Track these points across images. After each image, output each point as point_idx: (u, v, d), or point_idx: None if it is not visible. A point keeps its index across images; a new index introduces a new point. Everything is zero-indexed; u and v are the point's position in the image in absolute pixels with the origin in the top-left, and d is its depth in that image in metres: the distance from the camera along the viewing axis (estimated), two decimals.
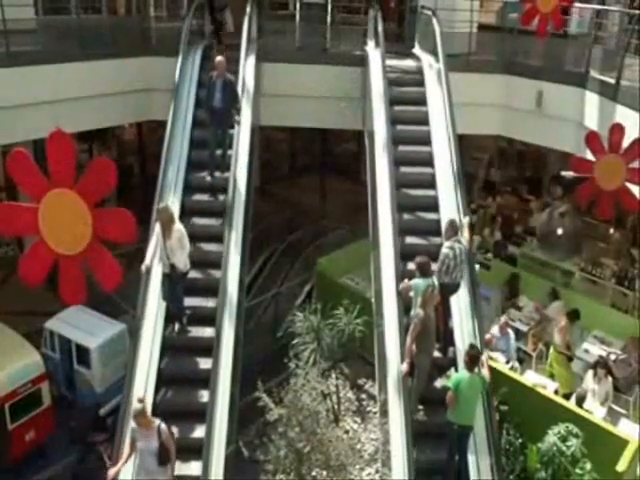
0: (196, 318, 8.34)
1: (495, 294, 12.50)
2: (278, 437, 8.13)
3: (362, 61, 11.71)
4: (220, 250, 8.46)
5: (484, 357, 7.31)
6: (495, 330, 10.23)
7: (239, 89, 9.90)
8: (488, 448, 7.34)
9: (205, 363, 7.81)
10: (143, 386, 7.61)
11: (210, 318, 7.96)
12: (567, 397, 9.34)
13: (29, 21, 12.26)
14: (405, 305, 7.81)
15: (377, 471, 8.88)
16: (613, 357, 10.33)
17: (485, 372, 7.15)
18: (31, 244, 5.97)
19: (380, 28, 11.02)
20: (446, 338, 8.17)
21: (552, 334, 10.56)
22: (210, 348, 7.60)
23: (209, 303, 8.40)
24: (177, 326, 8.19)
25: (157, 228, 7.79)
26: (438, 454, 7.38)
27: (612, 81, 10.05)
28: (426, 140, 10.12)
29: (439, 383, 7.92)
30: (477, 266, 9.08)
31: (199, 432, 7.30)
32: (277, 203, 17.75)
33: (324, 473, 7.91)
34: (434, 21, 11.12)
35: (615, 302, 12.26)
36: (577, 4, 13.42)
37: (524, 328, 11.44)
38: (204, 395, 7.60)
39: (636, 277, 12.27)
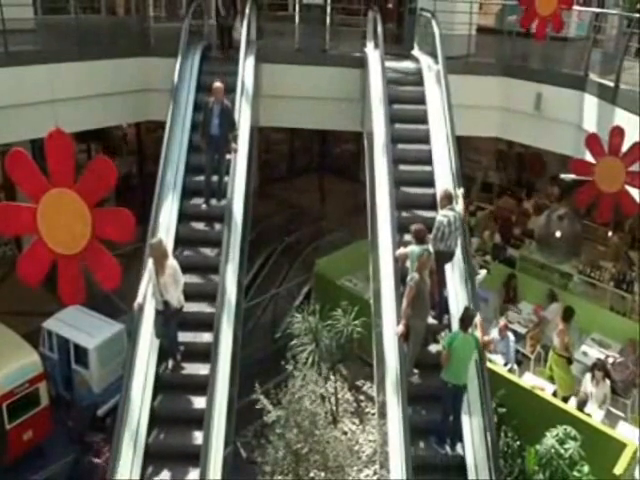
0: (191, 354, 7.99)
1: (493, 296, 12.52)
2: (276, 438, 8.13)
3: (361, 62, 11.71)
4: (216, 283, 8.08)
5: (478, 319, 7.44)
6: (494, 332, 10.25)
7: (238, 91, 9.90)
8: (481, 409, 7.48)
9: (200, 403, 7.35)
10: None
11: (205, 353, 7.51)
12: (566, 400, 9.35)
13: (28, 21, 12.29)
14: (402, 274, 7.95)
15: (375, 472, 8.89)
16: (611, 360, 10.35)
17: (478, 333, 7.32)
18: (30, 244, 5.95)
19: (379, 30, 11.02)
20: (441, 305, 8.35)
21: (550, 336, 10.57)
22: (206, 385, 7.17)
23: (204, 338, 8.00)
24: (171, 363, 7.86)
25: (149, 264, 7.48)
26: (432, 415, 7.59)
27: (611, 84, 10.07)
28: (425, 140, 10.13)
29: (434, 348, 8.07)
30: (484, 271, 9.16)
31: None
32: (276, 204, 17.75)
33: (322, 474, 7.93)
34: (433, 23, 11.12)
35: (613, 305, 12.30)
36: (576, 7, 13.43)
37: (522, 330, 11.47)
38: (198, 437, 7.12)
39: (634, 280, 12.30)
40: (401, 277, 7.95)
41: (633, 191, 8.79)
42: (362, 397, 10.73)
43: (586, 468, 7.51)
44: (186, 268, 8.05)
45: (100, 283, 6.00)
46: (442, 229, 8.02)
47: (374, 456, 9.18)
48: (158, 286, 7.42)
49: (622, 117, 9.41)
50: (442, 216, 8.10)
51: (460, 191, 8.70)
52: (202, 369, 7.70)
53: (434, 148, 9.96)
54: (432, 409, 7.64)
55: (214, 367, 7.42)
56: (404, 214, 9.20)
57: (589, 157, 9.33)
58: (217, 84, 9.07)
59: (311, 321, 9.76)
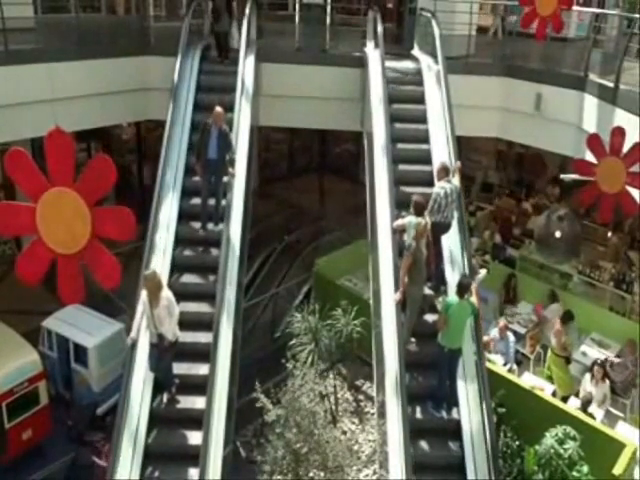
0: (186, 386, 7.70)
1: (493, 296, 12.53)
2: (276, 438, 8.12)
3: (361, 62, 11.71)
4: (212, 311, 7.85)
5: (473, 286, 7.67)
6: (494, 332, 10.26)
7: (237, 91, 9.90)
8: (476, 374, 7.70)
9: (196, 438, 7.14)
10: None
11: (201, 386, 7.26)
12: (565, 400, 9.36)
13: (28, 19, 12.29)
14: (400, 246, 8.14)
15: (374, 472, 8.89)
16: (609, 362, 10.36)
17: (474, 299, 7.57)
18: (29, 243, 5.95)
19: (379, 29, 11.03)
20: (437, 276, 8.50)
21: (549, 336, 10.58)
22: (201, 420, 6.96)
23: (200, 370, 7.75)
24: (166, 396, 7.62)
25: (143, 296, 7.26)
26: (429, 381, 7.83)
27: (611, 84, 10.07)
28: (424, 139, 10.13)
29: (430, 318, 8.20)
30: (484, 271, 9.29)
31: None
32: (276, 203, 17.75)
33: (322, 474, 7.91)
34: (433, 23, 11.13)
35: (613, 305, 12.30)
36: (576, 8, 13.43)
37: (522, 330, 11.48)
38: (194, 474, 6.98)
39: (634, 280, 12.31)
40: (399, 249, 8.14)
41: (634, 192, 8.79)
42: (361, 397, 10.73)
43: (585, 468, 7.51)
44: (182, 295, 7.90)
45: (100, 282, 6.00)
46: (439, 201, 8.21)
47: (373, 456, 9.18)
48: (152, 319, 7.18)
49: (622, 117, 9.41)
50: (439, 188, 8.29)
51: (457, 164, 8.89)
52: (198, 402, 7.40)
53: (434, 148, 9.96)
54: (428, 376, 7.89)
55: (214, 366, 7.42)
56: (404, 213, 9.20)
57: (589, 157, 9.34)
58: (218, 109, 8.80)
59: (311, 321, 9.76)
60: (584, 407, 8.78)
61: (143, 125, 16.44)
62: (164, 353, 7.39)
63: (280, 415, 8.12)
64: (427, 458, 7.38)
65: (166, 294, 7.24)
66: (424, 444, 7.49)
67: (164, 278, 8.18)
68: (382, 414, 7.69)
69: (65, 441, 9.86)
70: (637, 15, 10.93)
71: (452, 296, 7.73)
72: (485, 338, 9.17)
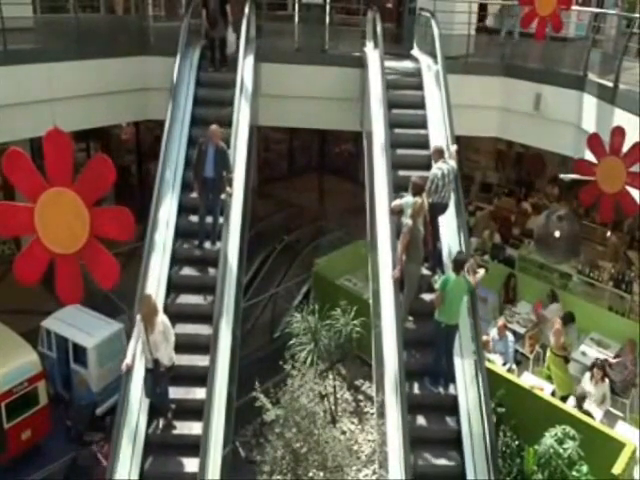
0: (183, 411, 7.53)
1: (492, 296, 12.53)
2: (275, 438, 8.13)
3: (361, 62, 11.71)
4: (210, 333, 7.70)
5: (469, 263, 7.87)
6: (493, 332, 10.26)
7: (237, 90, 9.89)
8: (473, 350, 7.86)
9: (192, 465, 7.01)
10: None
11: (199, 411, 7.08)
12: (564, 399, 9.36)
13: (27, 19, 12.28)
14: (397, 227, 8.25)
15: (374, 472, 8.89)
16: (610, 360, 10.37)
17: (470, 278, 7.75)
18: (27, 243, 5.93)
19: (379, 29, 11.03)
20: (434, 257, 8.67)
21: (549, 336, 10.58)
22: (198, 445, 6.86)
23: (197, 394, 7.55)
24: (162, 422, 7.45)
25: (138, 320, 7.15)
26: (426, 358, 7.98)
27: (610, 84, 10.07)
28: (424, 141, 10.12)
29: (427, 297, 8.30)
30: (482, 270, 9.36)
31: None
32: (275, 203, 17.75)
33: (321, 474, 7.92)
34: (433, 23, 11.13)
35: (612, 305, 12.30)
36: (575, 7, 13.44)
37: (521, 330, 11.48)
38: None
39: (633, 280, 12.31)
40: (397, 230, 8.25)
41: (634, 192, 8.79)
42: (361, 397, 10.71)
43: (585, 468, 7.51)
44: (177, 317, 7.84)
45: (98, 282, 5.99)
46: (436, 182, 8.36)
47: (373, 456, 9.17)
48: (147, 344, 7.06)
49: (621, 117, 9.41)
50: (436, 169, 8.45)
51: (454, 147, 9.01)
52: (195, 428, 7.24)
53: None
54: (425, 353, 8.03)
55: (213, 366, 7.42)
56: (402, 194, 9.18)
57: (589, 157, 9.34)
58: (213, 127, 8.65)
59: (310, 320, 9.75)
60: (579, 403, 8.78)
61: (142, 125, 16.43)
62: (160, 378, 7.26)
63: (279, 415, 8.13)
64: (425, 432, 7.59)
65: (162, 319, 7.13)
66: (421, 419, 7.69)
67: (160, 298, 8.14)
68: (381, 414, 7.69)
69: (64, 441, 9.86)
70: (636, 15, 10.96)
71: (449, 273, 7.86)
72: (484, 338, 9.16)
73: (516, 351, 10.73)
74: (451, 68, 10.68)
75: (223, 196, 8.74)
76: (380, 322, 8.08)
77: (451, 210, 8.94)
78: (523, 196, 15.96)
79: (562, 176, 10.21)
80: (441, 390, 7.83)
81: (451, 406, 7.72)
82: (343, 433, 9.67)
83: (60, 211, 5.76)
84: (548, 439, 7.62)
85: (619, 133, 8.69)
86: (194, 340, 8.00)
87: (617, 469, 7.54)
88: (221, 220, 8.75)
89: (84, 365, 10.19)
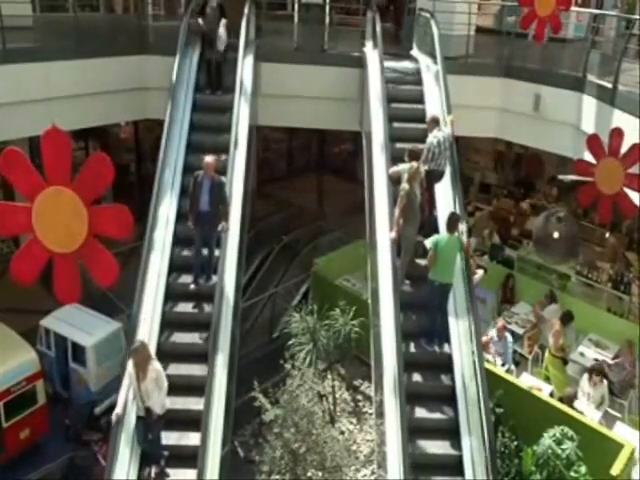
0: (176, 457, 7.23)
1: (491, 296, 12.54)
2: (274, 437, 8.11)
3: (360, 62, 11.71)
4: (204, 374, 7.40)
5: (463, 226, 8.21)
6: (493, 333, 10.26)
7: (237, 90, 9.87)
8: (467, 310, 8.11)
9: None
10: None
11: (192, 457, 6.84)
12: (562, 400, 9.36)
13: (26, 18, 12.27)
14: (395, 195, 8.46)
15: (373, 472, 8.89)
16: (608, 361, 10.38)
17: (464, 238, 8.12)
18: (25, 242, 5.91)
19: (378, 29, 11.04)
20: (430, 224, 8.86)
21: (548, 337, 10.59)
22: None
23: (191, 440, 7.22)
24: (154, 469, 7.13)
25: (130, 367, 6.87)
26: (422, 320, 8.28)
27: (609, 85, 10.08)
28: (423, 135, 10.12)
29: (423, 262, 8.42)
30: (481, 271, 9.44)
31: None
32: (274, 203, 17.75)
33: (320, 474, 7.90)
34: (432, 23, 11.14)
35: (611, 306, 12.32)
36: (575, 8, 13.44)
37: (520, 331, 11.49)
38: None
39: (631, 281, 12.33)
40: (394, 198, 8.46)
41: (633, 194, 8.80)
42: (360, 397, 10.70)
43: (583, 468, 7.50)
44: (171, 356, 7.74)
45: (97, 280, 5.98)
46: (432, 149, 8.65)
47: (372, 456, 9.17)
48: (139, 392, 6.78)
49: (620, 118, 9.42)
50: (432, 137, 8.73)
51: (450, 117, 9.26)
52: (189, 474, 6.93)
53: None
54: (421, 315, 8.33)
55: (212, 365, 7.42)
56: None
57: (588, 158, 9.36)
58: (208, 159, 8.35)
59: (309, 320, 9.74)
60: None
61: (141, 124, 16.42)
62: (152, 426, 7.01)
63: (278, 415, 8.11)
64: (421, 388, 7.88)
65: (154, 366, 6.87)
66: (418, 376, 7.97)
67: (154, 336, 7.95)
68: (380, 414, 7.70)
69: (63, 440, 9.85)
70: (636, 16, 10.96)
71: (441, 233, 8.22)
72: (484, 338, 9.16)
73: (515, 352, 10.74)
74: (450, 68, 10.68)
75: (220, 227, 8.38)
76: (379, 322, 8.08)
77: (447, 180, 9.20)
78: (522, 196, 15.98)
79: (561, 177, 10.23)
80: (436, 349, 8.08)
81: (446, 364, 7.97)
82: (342, 433, 9.66)
83: (58, 210, 5.75)
84: (546, 440, 7.62)
85: (617, 134, 8.70)
86: (188, 381, 7.69)
87: (615, 470, 7.56)
88: (217, 253, 8.45)
89: (83, 364, 10.17)
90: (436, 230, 8.76)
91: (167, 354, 7.80)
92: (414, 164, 8.28)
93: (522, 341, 11.41)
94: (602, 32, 13.04)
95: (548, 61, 12.69)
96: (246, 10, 11.16)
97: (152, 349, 7.60)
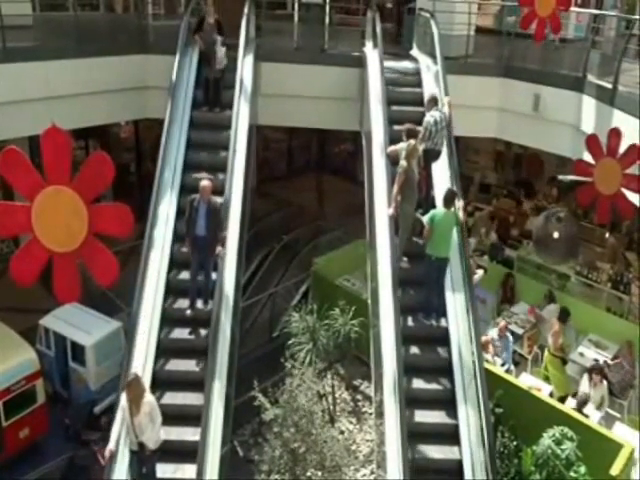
0: None
1: (491, 296, 12.54)
2: (273, 437, 8.12)
3: (360, 62, 11.71)
4: (201, 403, 7.17)
5: (460, 203, 8.31)
6: (493, 332, 10.26)
7: (236, 90, 9.86)
8: (463, 285, 8.29)
9: None
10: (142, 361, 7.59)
11: None
12: (562, 400, 9.37)
13: (26, 17, 12.26)
14: (393, 174, 8.62)
15: (372, 472, 8.89)
16: (608, 361, 10.38)
17: (460, 213, 8.24)
18: (25, 242, 5.89)
19: (378, 29, 11.03)
20: (428, 202, 8.97)
21: (547, 337, 10.59)
22: None
23: (187, 472, 6.98)
24: None
25: (123, 401, 6.68)
26: (419, 296, 8.44)
27: (609, 86, 10.08)
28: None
29: (420, 240, 8.58)
30: (481, 271, 9.45)
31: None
32: (274, 203, 17.74)
33: (319, 474, 7.91)
34: (432, 23, 11.14)
35: (610, 306, 12.32)
36: (575, 9, 13.44)
37: (519, 331, 11.49)
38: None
39: (631, 281, 12.33)
40: (392, 177, 8.62)
41: (634, 194, 8.79)
42: (359, 396, 10.71)
43: (582, 469, 7.51)
44: (167, 384, 7.62)
45: (97, 279, 5.98)
46: (429, 128, 8.78)
47: (371, 456, 9.18)
48: (132, 427, 6.57)
49: (620, 119, 9.42)
50: (429, 116, 8.87)
51: (447, 99, 9.37)
52: None
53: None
54: (419, 291, 8.47)
55: (212, 365, 7.41)
56: None
57: (587, 158, 9.36)
58: (204, 183, 8.16)
59: (309, 320, 9.75)
60: (579, 407, 8.78)
61: (141, 123, 16.41)
62: (146, 460, 6.79)
63: (278, 414, 8.12)
64: (418, 360, 8.05)
65: (148, 399, 6.68)
66: (415, 349, 8.14)
67: (149, 365, 7.72)
68: (380, 414, 7.70)
69: (62, 440, 9.84)
70: (636, 16, 10.96)
71: (438, 208, 8.33)
72: (483, 339, 9.16)
73: (514, 352, 10.74)
74: (450, 68, 10.68)
75: (218, 251, 8.19)
76: (378, 322, 8.08)
77: (444, 160, 9.33)
78: (523, 197, 15.98)
79: (561, 177, 10.22)
80: (433, 323, 8.25)
81: (443, 337, 8.12)
82: (341, 433, 9.68)
83: (58, 209, 5.74)
84: (546, 440, 7.63)
85: (615, 135, 8.70)
86: (184, 411, 7.47)
87: (615, 470, 7.56)
88: (214, 277, 8.26)
89: (82, 363, 10.17)
90: (433, 206, 8.85)
91: (162, 382, 7.65)
92: (412, 142, 8.41)
93: (522, 341, 11.41)
94: (602, 32, 13.06)
95: (548, 61, 12.69)
96: (246, 9, 11.15)
97: (147, 377, 7.49)
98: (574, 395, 9.59)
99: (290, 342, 9.73)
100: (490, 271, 12.56)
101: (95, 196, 5.81)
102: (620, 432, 8.57)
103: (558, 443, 7.57)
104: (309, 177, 20.19)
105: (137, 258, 8.52)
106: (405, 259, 8.70)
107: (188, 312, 8.33)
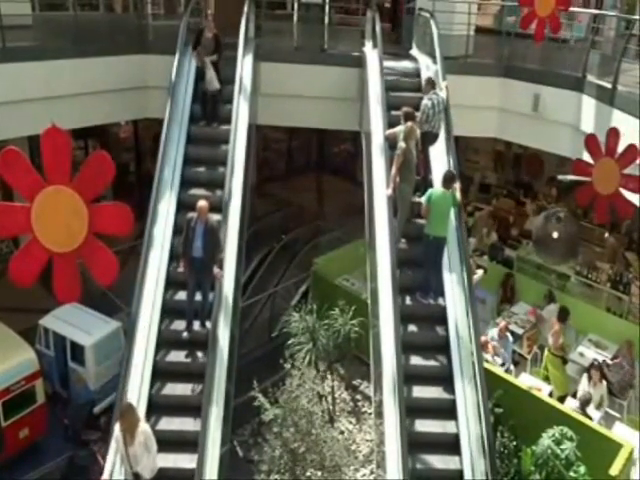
0: None
1: (491, 297, 12.54)
2: (273, 437, 8.13)
3: (359, 62, 11.70)
4: (197, 429, 7.01)
5: (457, 184, 8.41)
6: (493, 332, 10.26)
7: (236, 89, 9.85)
8: (460, 264, 8.45)
9: None
10: (138, 385, 7.52)
11: None
12: (562, 400, 9.37)
13: (25, 17, 12.26)
14: (391, 158, 8.75)
15: (372, 472, 8.89)
16: (608, 361, 10.38)
17: (458, 194, 8.37)
18: (24, 242, 5.88)
19: (378, 29, 11.02)
20: (426, 184, 9.10)
21: (547, 337, 10.59)
22: None
23: None
24: None
25: (117, 430, 6.54)
26: (417, 276, 8.61)
27: (609, 86, 10.08)
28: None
29: (419, 221, 8.77)
30: (481, 271, 9.44)
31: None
32: (274, 202, 17.74)
33: (319, 474, 7.93)
34: (432, 23, 11.13)
35: (610, 306, 12.33)
36: (574, 9, 13.43)
37: (519, 331, 11.49)
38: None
39: (631, 281, 12.33)
40: (390, 159, 8.76)
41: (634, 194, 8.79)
42: (359, 396, 10.71)
43: (582, 469, 7.51)
44: (163, 409, 7.49)
45: (97, 279, 5.98)
46: (427, 111, 8.97)
47: (371, 455, 9.17)
48: (127, 457, 6.41)
49: (619, 118, 9.43)
50: (427, 100, 9.06)
51: (444, 83, 9.62)
52: None
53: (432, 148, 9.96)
54: (417, 271, 8.63)
55: (212, 364, 7.41)
56: None
57: (587, 158, 9.36)
58: (202, 203, 7.94)
59: (308, 320, 9.75)
60: (582, 407, 8.77)
61: (141, 123, 16.41)
62: None
63: (278, 414, 8.12)
64: (417, 338, 8.22)
65: (143, 429, 6.53)
66: (413, 327, 8.31)
67: (145, 388, 7.57)
68: (379, 414, 7.70)
69: (62, 440, 9.84)
70: (636, 16, 10.95)
71: (435, 188, 8.52)
72: (482, 338, 9.16)
73: (514, 352, 10.74)
74: (450, 68, 10.67)
75: (217, 271, 8.00)
76: (378, 322, 8.08)
77: (442, 144, 9.46)
78: (523, 197, 15.97)
79: (560, 177, 10.22)
80: (431, 302, 8.42)
81: (440, 316, 8.30)
82: (341, 433, 9.68)
83: (58, 209, 5.74)
84: (546, 440, 7.63)
85: (614, 134, 8.69)
86: (180, 437, 7.30)
87: (614, 470, 7.56)
88: (211, 297, 8.10)
89: (82, 363, 10.16)
90: (431, 186, 9.02)
91: (158, 407, 7.53)
92: (409, 124, 8.57)
93: (521, 341, 11.41)
94: (602, 32, 13.05)
95: (548, 61, 12.69)
96: (246, 9, 11.15)
97: (143, 401, 7.40)
98: (574, 395, 9.60)
99: (290, 342, 9.74)
100: (490, 271, 12.56)
101: (95, 196, 5.81)
102: (620, 432, 8.57)
103: (558, 443, 7.57)
104: (309, 177, 20.19)
105: (137, 258, 8.52)
106: (403, 240, 8.88)
107: (184, 334, 8.14)
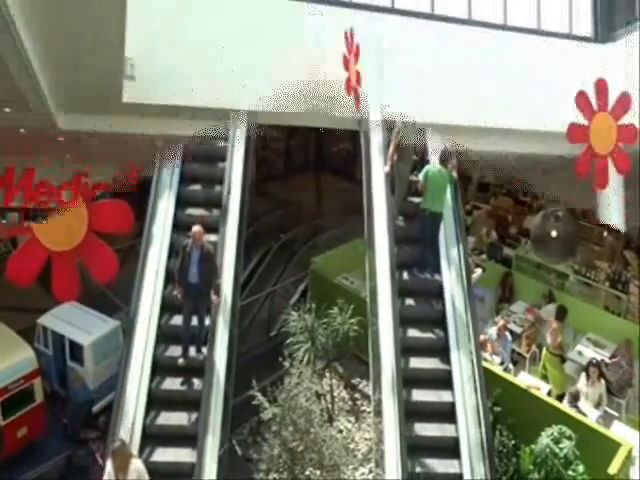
0: None
1: (489, 295, 12.55)
2: (272, 436, 8.12)
3: None
4: (193, 460, 7.07)
5: (454, 162, 8.65)
6: (492, 331, 10.27)
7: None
8: (456, 240, 8.73)
9: None
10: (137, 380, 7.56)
11: None
12: (560, 399, 9.38)
13: None
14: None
15: (371, 471, 8.89)
16: (606, 360, 10.40)
17: (454, 172, 8.65)
18: (23, 242, 5.89)
19: None
20: (423, 164, 9.13)
21: (546, 336, 10.61)
22: None
23: None
24: None
25: (109, 467, 6.47)
26: (414, 252, 8.86)
27: None
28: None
29: (416, 200, 9.02)
30: (480, 270, 9.43)
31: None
32: (273, 202, 17.74)
33: (318, 472, 7.91)
34: None
35: (609, 305, 12.34)
36: None
37: (518, 330, 11.50)
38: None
39: (629, 280, 12.34)
40: (387, 142, 9.03)
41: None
42: (358, 395, 10.71)
43: (581, 467, 7.52)
44: (158, 439, 7.39)
45: (96, 277, 5.99)
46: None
47: (370, 454, 9.17)
48: None
49: None
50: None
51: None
52: None
53: (430, 148, 9.96)
54: (413, 248, 8.88)
55: (211, 364, 7.40)
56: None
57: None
58: (196, 228, 7.80)
59: (307, 319, 9.75)
60: (572, 401, 8.79)
61: None
62: None
63: (276, 413, 8.11)
64: (414, 312, 8.47)
65: (135, 466, 6.47)
66: (410, 301, 8.57)
67: (139, 416, 7.47)
68: (378, 413, 7.70)
69: (60, 439, 9.84)
70: None
71: (432, 165, 8.73)
72: (481, 337, 9.18)
73: (513, 350, 10.75)
74: None
75: (214, 298, 7.97)
76: (377, 321, 8.08)
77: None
78: (522, 197, 15.96)
79: None
80: (427, 276, 8.66)
81: (437, 291, 8.53)
82: (340, 432, 9.68)
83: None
84: (544, 439, 7.64)
85: (603, 87, 8.47)
86: (176, 469, 7.21)
87: (613, 469, 7.57)
88: (207, 323, 8.07)
89: (80, 363, 10.16)
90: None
91: (154, 437, 7.44)
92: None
93: (520, 340, 11.42)
94: None
95: None
96: None
97: (137, 432, 7.32)
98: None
99: (289, 341, 9.73)
100: (489, 270, 12.60)
101: (95, 195, 5.82)
102: (618, 431, 8.58)
103: (556, 442, 7.58)
104: (307, 176, 20.18)
105: (135, 257, 8.49)
106: (401, 218, 9.12)
107: (180, 361, 8.05)
